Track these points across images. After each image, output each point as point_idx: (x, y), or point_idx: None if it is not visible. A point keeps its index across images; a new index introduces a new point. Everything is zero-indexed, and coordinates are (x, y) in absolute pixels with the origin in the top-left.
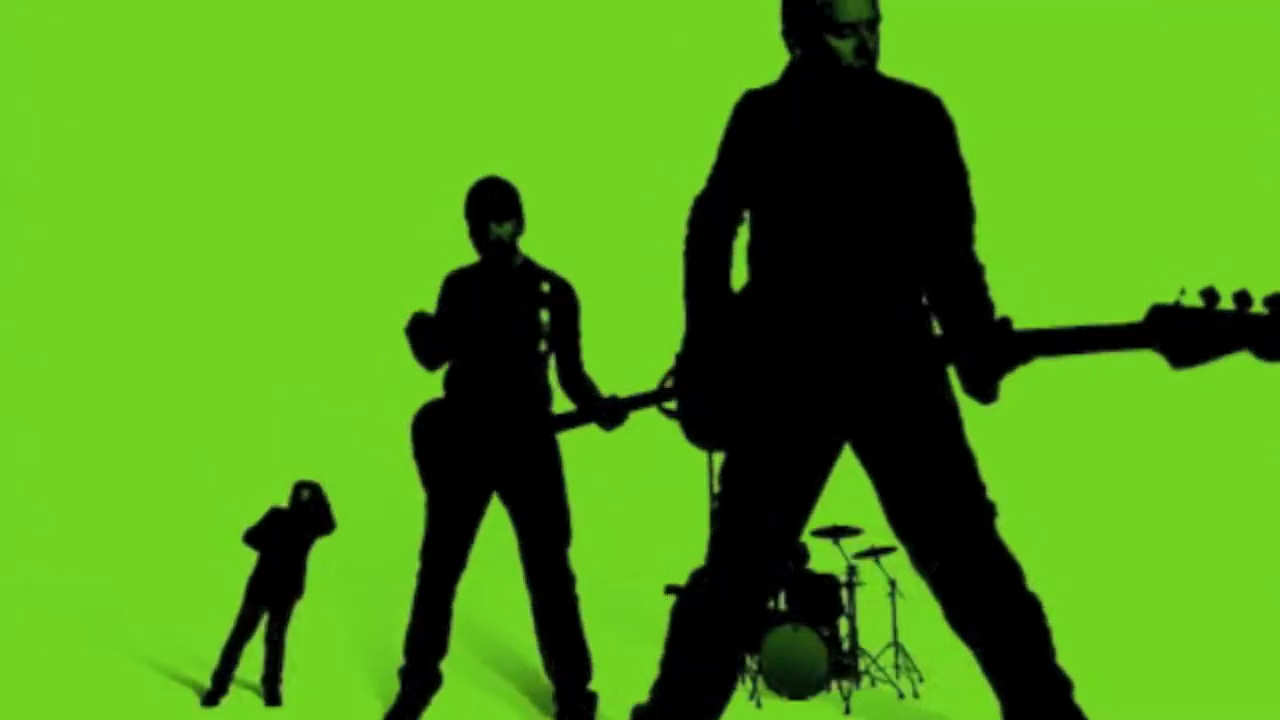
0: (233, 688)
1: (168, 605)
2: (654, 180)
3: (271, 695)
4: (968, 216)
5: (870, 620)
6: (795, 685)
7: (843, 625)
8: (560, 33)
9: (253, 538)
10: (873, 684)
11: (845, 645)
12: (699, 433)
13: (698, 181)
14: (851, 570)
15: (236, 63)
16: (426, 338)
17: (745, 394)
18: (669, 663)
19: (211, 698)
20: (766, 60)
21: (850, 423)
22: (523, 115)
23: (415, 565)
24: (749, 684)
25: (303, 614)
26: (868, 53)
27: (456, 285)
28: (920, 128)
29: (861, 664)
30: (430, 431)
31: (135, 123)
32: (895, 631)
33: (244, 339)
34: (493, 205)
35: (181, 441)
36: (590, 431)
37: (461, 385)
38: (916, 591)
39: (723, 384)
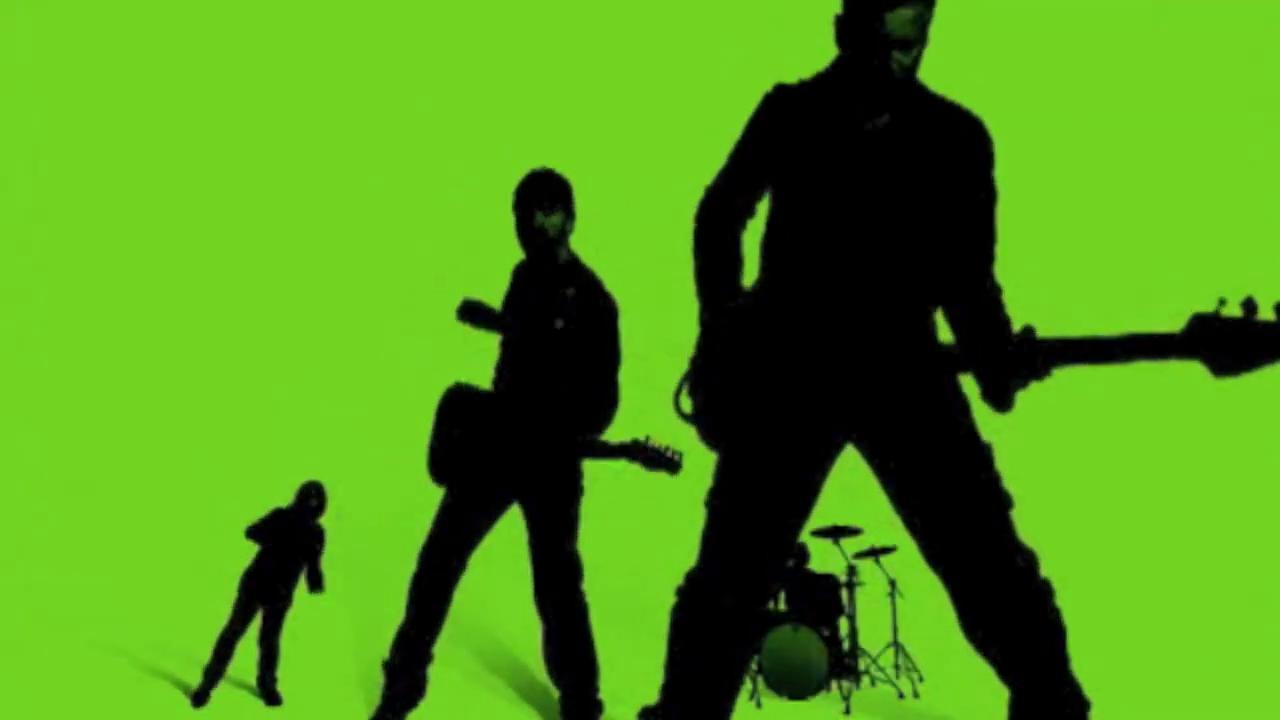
0: (232, 688)
1: (166, 605)
2: (661, 178)
3: (270, 695)
4: (991, 238)
5: (870, 620)
6: (795, 685)
7: (843, 625)
8: (570, 31)
9: (254, 534)
10: (873, 684)
11: (845, 645)
12: (715, 435)
13: (704, 176)
14: (851, 570)
15: (237, 63)
16: (479, 320)
17: (753, 391)
18: (673, 665)
19: (201, 695)
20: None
21: (858, 423)
22: (526, 117)
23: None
24: (749, 684)
25: (302, 613)
26: (903, 68)
27: (515, 277)
28: (960, 147)
29: (861, 664)
30: (462, 428)
31: (135, 123)
32: (895, 631)
33: (245, 339)
34: (536, 195)
35: (181, 441)
36: None
37: (497, 382)
38: (916, 591)
39: (735, 383)
